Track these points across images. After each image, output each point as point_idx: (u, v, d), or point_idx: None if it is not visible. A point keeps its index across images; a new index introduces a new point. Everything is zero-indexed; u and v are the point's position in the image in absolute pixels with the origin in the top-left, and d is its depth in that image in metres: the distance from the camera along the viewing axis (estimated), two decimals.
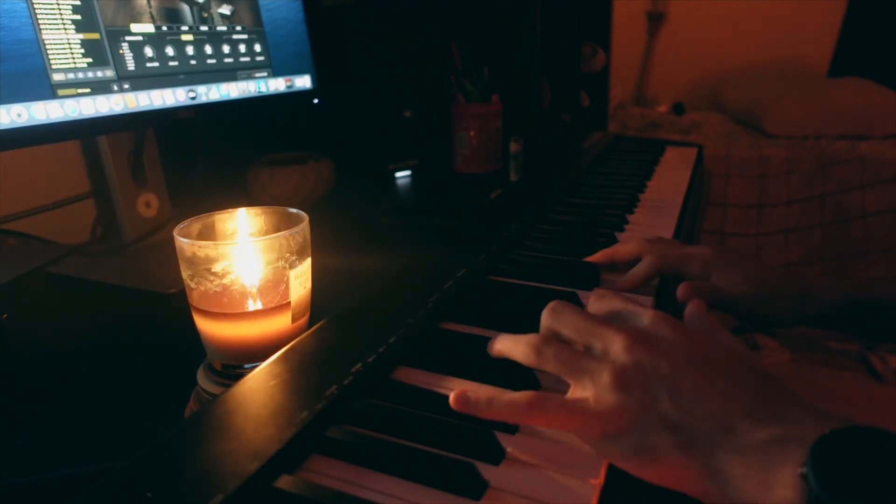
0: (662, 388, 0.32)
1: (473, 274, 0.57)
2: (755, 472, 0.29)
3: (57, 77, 0.59)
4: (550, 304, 0.40)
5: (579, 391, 0.35)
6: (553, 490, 0.32)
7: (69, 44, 0.59)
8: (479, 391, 0.35)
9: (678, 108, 2.51)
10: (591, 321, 0.38)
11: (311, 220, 0.45)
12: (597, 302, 0.41)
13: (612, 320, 0.38)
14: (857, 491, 0.25)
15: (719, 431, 0.30)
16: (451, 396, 0.35)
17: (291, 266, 0.43)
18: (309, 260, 0.45)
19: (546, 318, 0.40)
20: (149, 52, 0.67)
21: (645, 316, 0.37)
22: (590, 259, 0.61)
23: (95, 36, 0.62)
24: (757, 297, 0.53)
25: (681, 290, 0.51)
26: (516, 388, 0.40)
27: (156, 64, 0.67)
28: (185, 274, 0.42)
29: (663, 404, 0.32)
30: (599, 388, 0.33)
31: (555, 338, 0.38)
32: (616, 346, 0.35)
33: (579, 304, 0.52)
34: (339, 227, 0.83)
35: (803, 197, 1.82)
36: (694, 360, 0.34)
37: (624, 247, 0.60)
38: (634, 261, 0.57)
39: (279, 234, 0.42)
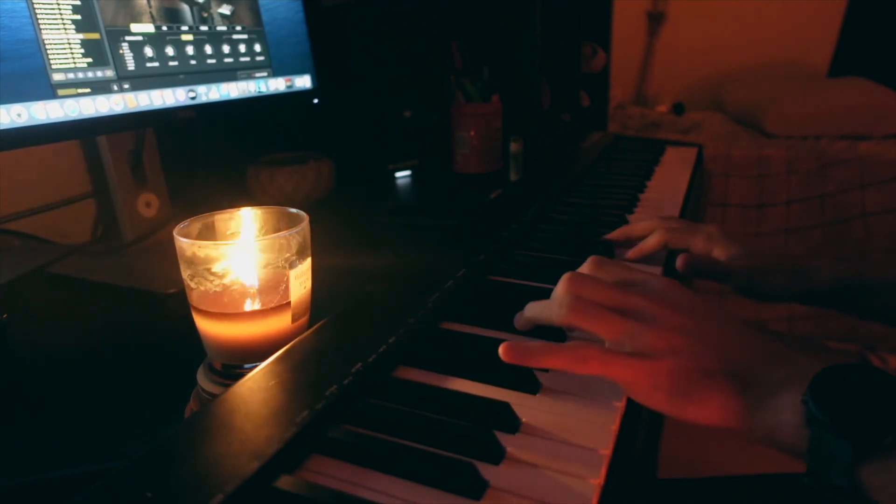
0: (694, 340, 0.37)
1: (473, 274, 0.57)
2: (770, 401, 0.34)
3: (57, 77, 0.59)
4: (567, 275, 0.42)
5: (618, 350, 0.38)
6: (553, 490, 0.32)
7: (69, 44, 0.59)
8: (531, 342, 0.38)
9: (678, 108, 2.51)
10: (614, 288, 0.41)
11: (311, 220, 0.45)
12: (598, 268, 0.44)
13: (629, 286, 0.42)
14: (845, 410, 0.31)
15: (745, 372, 0.36)
16: (501, 348, 0.38)
17: (291, 266, 0.43)
18: (309, 260, 0.45)
19: (568, 284, 0.42)
20: (149, 52, 0.67)
21: (656, 281, 0.42)
22: (608, 237, 0.67)
23: (95, 36, 0.62)
24: (754, 270, 0.57)
25: (679, 261, 0.56)
26: (517, 389, 0.40)
27: (156, 64, 0.67)
28: (185, 274, 0.42)
29: (699, 354, 0.37)
30: (641, 348, 0.37)
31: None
32: (647, 309, 0.39)
33: None
34: (339, 227, 0.83)
35: (803, 197, 1.82)
36: (710, 315, 0.39)
37: (639, 225, 0.66)
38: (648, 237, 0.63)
39: (279, 234, 0.42)
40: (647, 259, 0.62)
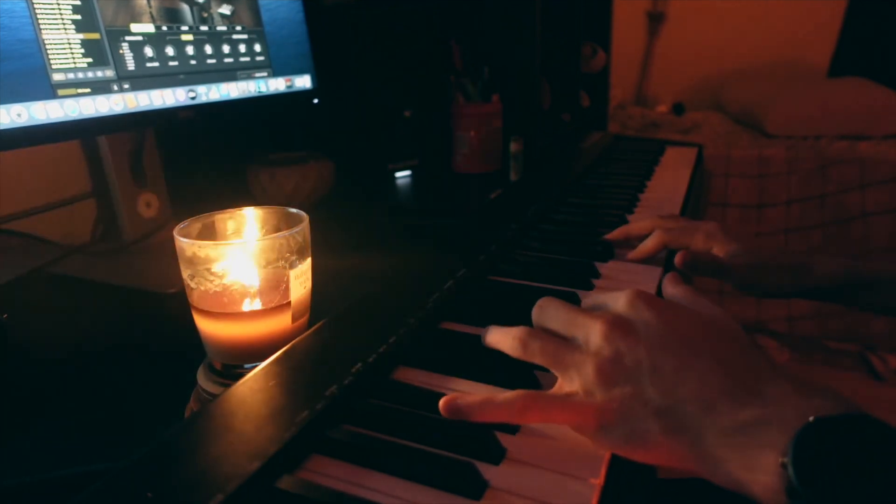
0: (643, 374, 0.33)
1: (473, 274, 0.57)
2: (739, 454, 0.29)
3: (57, 77, 0.58)
4: (538, 301, 0.40)
5: (567, 384, 0.35)
6: (553, 490, 0.32)
7: (69, 44, 0.59)
8: (469, 395, 0.35)
9: (678, 108, 2.51)
10: (572, 312, 0.38)
11: (311, 220, 0.45)
12: (584, 299, 0.44)
13: (592, 308, 0.39)
14: (834, 486, 0.25)
15: (702, 413, 0.31)
16: (441, 403, 0.34)
17: (291, 266, 0.43)
18: (309, 260, 0.45)
19: (534, 314, 0.40)
20: (149, 52, 0.67)
21: (622, 298, 0.37)
22: (607, 237, 0.66)
23: (95, 36, 0.62)
24: (755, 267, 0.57)
25: (678, 258, 0.55)
26: (516, 387, 0.40)
27: (156, 64, 0.67)
28: (185, 274, 0.42)
29: (647, 390, 0.32)
30: (586, 382, 0.34)
31: (542, 331, 0.38)
32: (594, 335, 0.35)
33: (578, 304, 0.52)
34: (339, 227, 0.83)
35: (803, 197, 1.82)
36: (670, 341, 0.34)
37: (638, 224, 0.65)
38: (647, 236, 0.63)
39: (279, 234, 0.42)
40: (646, 260, 0.62)
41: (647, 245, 0.62)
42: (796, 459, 0.26)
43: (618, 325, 0.35)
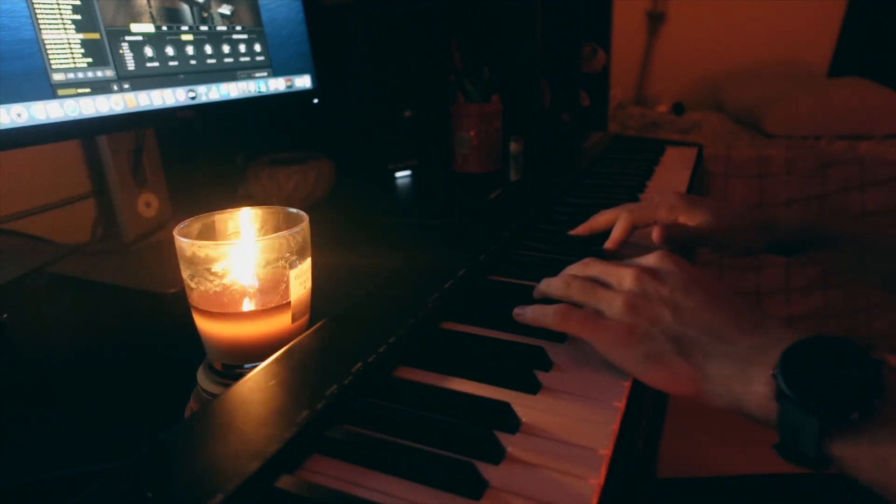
0: (665, 307, 0.40)
1: (473, 274, 0.57)
2: (739, 371, 0.35)
3: (57, 77, 0.59)
4: (583, 260, 0.48)
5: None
6: (553, 490, 0.32)
7: (69, 44, 0.59)
8: (527, 310, 0.46)
9: (678, 108, 2.51)
10: (610, 265, 0.46)
11: (311, 220, 0.45)
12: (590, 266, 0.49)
13: (625, 263, 0.46)
14: (812, 387, 0.32)
15: (713, 340, 0.38)
16: (514, 313, 0.47)
17: (291, 266, 0.43)
18: (309, 260, 0.45)
19: (576, 267, 0.48)
20: (149, 51, 0.67)
21: (651, 255, 0.45)
22: (572, 232, 0.68)
23: (95, 36, 0.62)
24: (723, 230, 0.59)
25: (654, 233, 0.57)
26: (517, 389, 0.40)
27: (156, 64, 0.67)
28: (185, 274, 0.42)
29: (666, 320, 0.39)
30: (614, 311, 0.41)
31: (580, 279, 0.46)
32: (627, 279, 0.43)
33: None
34: (339, 227, 0.83)
35: (803, 197, 1.82)
36: (690, 286, 0.41)
37: (600, 216, 0.67)
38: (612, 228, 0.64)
39: (279, 234, 0.42)
40: (623, 245, 0.62)
41: (617, 230, 0.63)
42: (784, 369, 0.33)
43: (646, 272, 0.43)
